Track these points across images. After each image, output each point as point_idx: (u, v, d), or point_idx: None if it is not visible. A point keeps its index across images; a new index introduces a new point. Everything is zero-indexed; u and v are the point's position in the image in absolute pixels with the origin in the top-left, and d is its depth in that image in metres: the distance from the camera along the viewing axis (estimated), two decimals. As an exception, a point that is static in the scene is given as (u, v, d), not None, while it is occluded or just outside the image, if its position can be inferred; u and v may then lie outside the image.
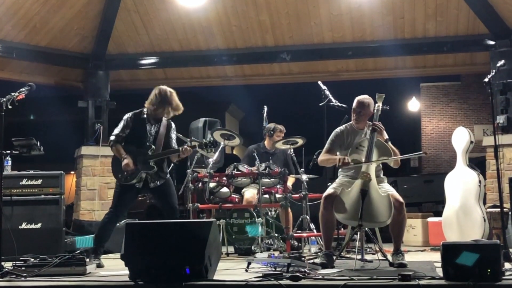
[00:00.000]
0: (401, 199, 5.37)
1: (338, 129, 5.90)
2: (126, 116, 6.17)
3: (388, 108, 5.81)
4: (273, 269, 4.74)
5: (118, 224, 7.81)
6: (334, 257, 5.46)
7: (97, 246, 6.05)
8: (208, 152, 6.13)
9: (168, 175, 6.21)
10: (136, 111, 6.18)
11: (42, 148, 7.32)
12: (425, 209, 11.74)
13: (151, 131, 6.10)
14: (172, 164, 7.40)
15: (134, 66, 10.48)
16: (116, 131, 6.13)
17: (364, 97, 5.84)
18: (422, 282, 4.03)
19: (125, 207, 6.31)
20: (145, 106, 6.12)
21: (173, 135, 6.22)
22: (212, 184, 7.26)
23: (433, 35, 9.64)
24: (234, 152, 18.97)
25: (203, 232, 4.46)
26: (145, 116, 6.12)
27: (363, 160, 5.48)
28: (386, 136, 5.63)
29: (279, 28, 9.84)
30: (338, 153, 5.77)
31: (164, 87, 6.11)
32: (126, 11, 9.70)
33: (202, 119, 8.83)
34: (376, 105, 5.75)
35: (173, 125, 6.24)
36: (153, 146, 6.02)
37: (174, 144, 6.18)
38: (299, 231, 7.36)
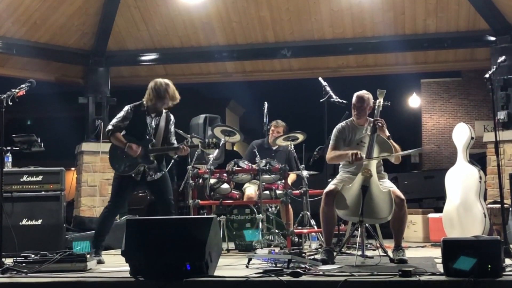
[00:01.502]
0: (402, 196, 5.37)
1: (339, 125, 5.89)
2: (126, 108, 6.17)
3: (389, 104, 5.80)
4: (274, 265, 4.75)
5: (118, 220, 7.85)
6: (335, 253, 5.47)
7: (97, 240, 6.05)
8: (208, 151, 6.17)
9: (166, 170, 6.21)
10: (136, 103, 6.18)
11: (42, 144, 7.31)
12: (425, 205, 11.76)
13: (152, 124, 6.11)
14: (172, 161, 7.42)
15: (135, 62, 10.48)
16: (114, 120, 6.14)
17: (363, 92, 5.85)
18: (422, 278, 4.03)
19: (123, 200, 6.32)
20: (143, 100, 6.12)
21: (172, 129, 6.22)
22: (212, 181, 7.25)
23: (434, 31, 9.64)
24: (235, 148, 18.99)
25: (203, 229, 4.46)
26: (145, 108, 6.12)
27: (364, 156, 5.48)
28: (387, 133, 5.62)
29: (280, 24, 9.83)
30: (341, 150, 5.74)
31: (159, 80, 6.10)
32: (126, 7, 9.69)
33: (203, 115, 8.84)
34: (377, 101, 5.74)
35: (172, 118, 6.24)
36: (153, 140, 6.02)
37: (173, 137, 6.19)
38: (300, 227, 7.37)
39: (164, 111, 6.16)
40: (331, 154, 5.77)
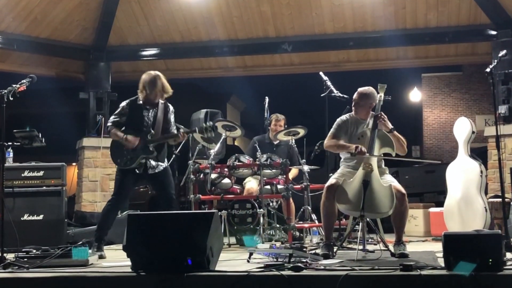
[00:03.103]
0: (403, 190, 5.37)
1: (343, 117, 5.87)
2: (122, 104, 6.26)
3: (390, 98, 5.79)
4: (275, 259, 4.75)
5: (119, 216, 7.85)
6: (336, 248, 5.47)
7: (100, 234, 6.06)
8: (208, 137, 6.16)
9: (167, 164, 6.23)
10: (132, 98, 6.24)
11: (43, 139, 7.32)
12: (426, 199, 11.76)
13: (149, 116, 6.13)
14: (174, 156, 7.42)
15: (135, 57, 10.47)
16: (112, 117, 6.23)
17: (364, 88, 5.84)
18: (423, 272, 4.03)
19: (126, 194, 6.32)
20: (138, 93, 6.18)
21: (172, 119, 6.23)
22: (213, 175, 7.26)
23: (435, 25, 9.63)
24: (236, 143, 18.98)
25: (204, 223, 4.46)
26: (141, 102, 6.16)
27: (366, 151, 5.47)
28: (390, 125, 5.61)
29: (280, 19, 9.82)
30: (341, 141, 5.74)
31: (150, 72, 6.16)
32: (127, 2, 9.69)
33: (204, 110, 8.82)
34: (378, 95, 5.73)
35: (171, 108, 6.25)
36: (152, 131, 6.05)
37: (173, 127, 6.19)
38: (301, 222, 7.37)
39: (161, 102, 6.17)
40: (331, 142, 5.76)
